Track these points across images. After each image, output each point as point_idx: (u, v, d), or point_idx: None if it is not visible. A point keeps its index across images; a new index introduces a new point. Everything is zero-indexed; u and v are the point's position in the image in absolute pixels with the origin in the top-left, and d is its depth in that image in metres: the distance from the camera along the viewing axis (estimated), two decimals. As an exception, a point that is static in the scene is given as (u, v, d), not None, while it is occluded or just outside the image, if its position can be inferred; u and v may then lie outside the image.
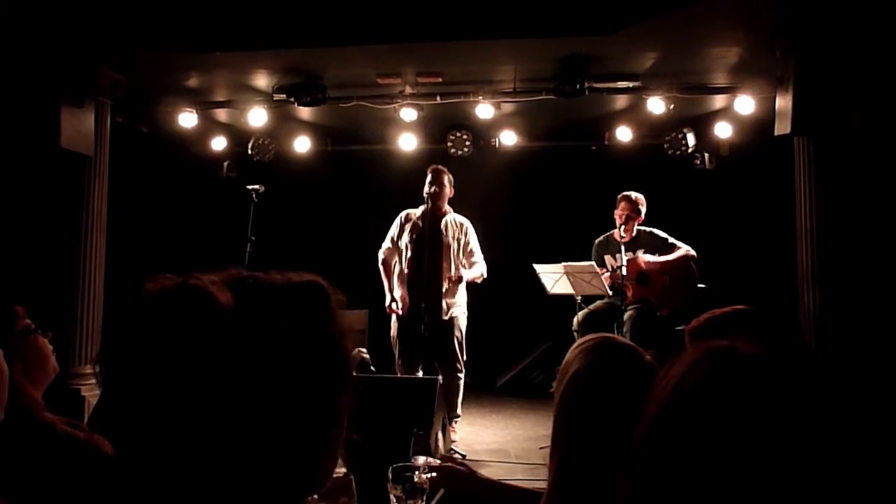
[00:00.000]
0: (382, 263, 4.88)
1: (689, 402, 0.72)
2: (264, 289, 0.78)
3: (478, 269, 4.77)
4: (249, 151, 6.48)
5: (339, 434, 0.80)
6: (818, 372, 0.73)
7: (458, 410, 4.77)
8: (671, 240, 5.02)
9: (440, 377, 4.51)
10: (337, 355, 0.79)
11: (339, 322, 0.80)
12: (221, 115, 6.23)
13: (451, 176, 4.85)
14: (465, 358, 4.76)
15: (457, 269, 4.70)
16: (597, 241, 5.21)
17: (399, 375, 4.73)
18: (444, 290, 4.64)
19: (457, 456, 4.31)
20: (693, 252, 4.97)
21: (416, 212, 4.82)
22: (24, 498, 1.43)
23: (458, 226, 4.79)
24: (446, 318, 4.65)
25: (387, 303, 4.76)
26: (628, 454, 0.75)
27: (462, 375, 4.74)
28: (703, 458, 0.68)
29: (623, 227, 4.94)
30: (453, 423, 4.65)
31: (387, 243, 4.89)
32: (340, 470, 1.59)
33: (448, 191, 4.79)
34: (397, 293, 4.76)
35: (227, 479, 0.72)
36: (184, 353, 0.71)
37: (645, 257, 4.97)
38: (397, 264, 4.82)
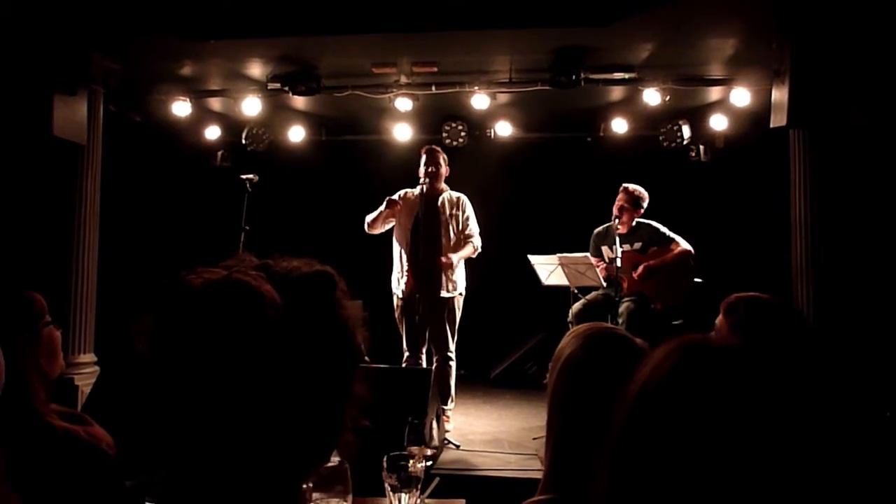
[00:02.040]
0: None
1: (660, 393, 0.73)
2: (288, 280, 0.82)
3: (469, 248, 4.76)
4: (243, 141, 6.45)
5: (350, 418, 0.84)
6: (798, 364, 0.73)
7: (452, 398, 4.78)
8: (670, 234, 5.00)
9: (433, 368, 4.55)
10: (352, 342, 0.84)
11: (350, 312, 0.85)
12: (215, 104, 6.20)
13: (445, 155, 4.87)
14: (455, 342, 4.76)
15: (455, 246, 4.72)
16: (596, 231, 5.20)
17: (404, 358, 4.77)
18: (448, 280, 4.67)
19: (451, 446, 4.32)
20: (690, 248, 4.96)
21: (414, 191, 4.82)
22: (23, 493, 1.44)
23: (454, 201, 4.81)
24: (446, 294, 4.67)
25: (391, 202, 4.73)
26: (606, 441, 0.77)
27: (453, 361, 4.75)
28: (674, 448, 0.69)
29: (618, 218, 4.93)
30: (447, 413, 4.67)
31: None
32: (335, 458, 1.60)
33: (444, 170, 4.81)
34: (396, 273, 4.79)
35: (250, 458, 0.76)
36: (232, 346, 0.75)
37: (640, 270, 4.93)
38: (396, 245, 4.82)
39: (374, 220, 4.79)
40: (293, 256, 0.86)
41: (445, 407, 4.64)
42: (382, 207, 4.73)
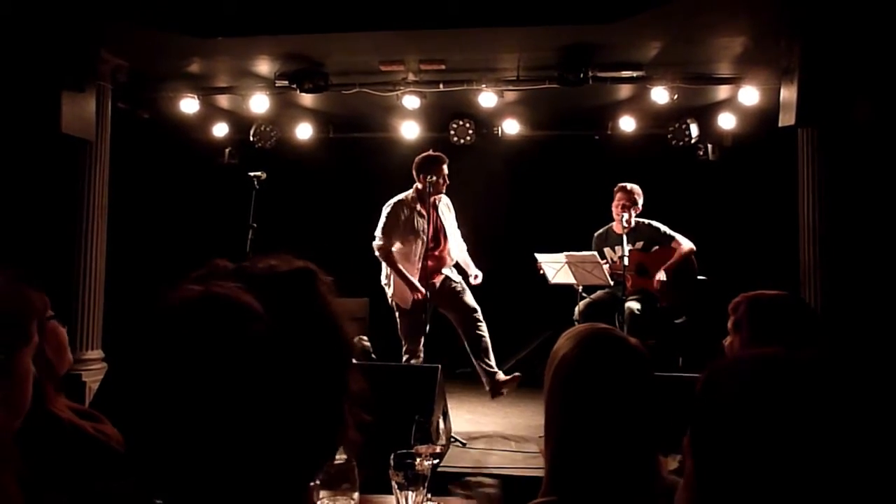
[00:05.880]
0: (389, 254, 4.69)
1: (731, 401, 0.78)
2: (267, 281, 0.79)
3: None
4: (251, 138, 6.46)
5: (347, 415, 0.82)
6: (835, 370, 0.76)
7: (494, 366, 4.71)
8: (670, 232, 5.00)
9: (440, 366, 4.53)
10: (340, 336, 0.82)
11: (336, 306, 0.82)
12: (223, 101, 6.22)
13: None
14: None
15: (455, 246, 4.80)
16: (596, 233, 5.21)
17: (403, 350, 4.74)
18: (450, 269, 4.73)
19: (457, 444, 4.32)
20: (692, 246, 4.94)
21: (409, 194, 4.73)
22: (28, 486, 1.44)
23: (447, 204, 4.85)
24: (458, 288, 4.71)
25: (417, 293, 4.62)
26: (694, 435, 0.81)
27: (482, 322, 4.68)
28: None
29: (625, 216, 4.88)
30: (497, 371, 4.65)
31: (384, 233, 4.68)
32: (342, 456, 1.60)
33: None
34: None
35: (252, 463, 0.74)
36: (218, 364, 0.73)
37: (659, 275, 4.92)
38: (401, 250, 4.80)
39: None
40: (269, 255, 0.83)
41: (490, 363, 4.64)
42: (404, 272, 4.72)
